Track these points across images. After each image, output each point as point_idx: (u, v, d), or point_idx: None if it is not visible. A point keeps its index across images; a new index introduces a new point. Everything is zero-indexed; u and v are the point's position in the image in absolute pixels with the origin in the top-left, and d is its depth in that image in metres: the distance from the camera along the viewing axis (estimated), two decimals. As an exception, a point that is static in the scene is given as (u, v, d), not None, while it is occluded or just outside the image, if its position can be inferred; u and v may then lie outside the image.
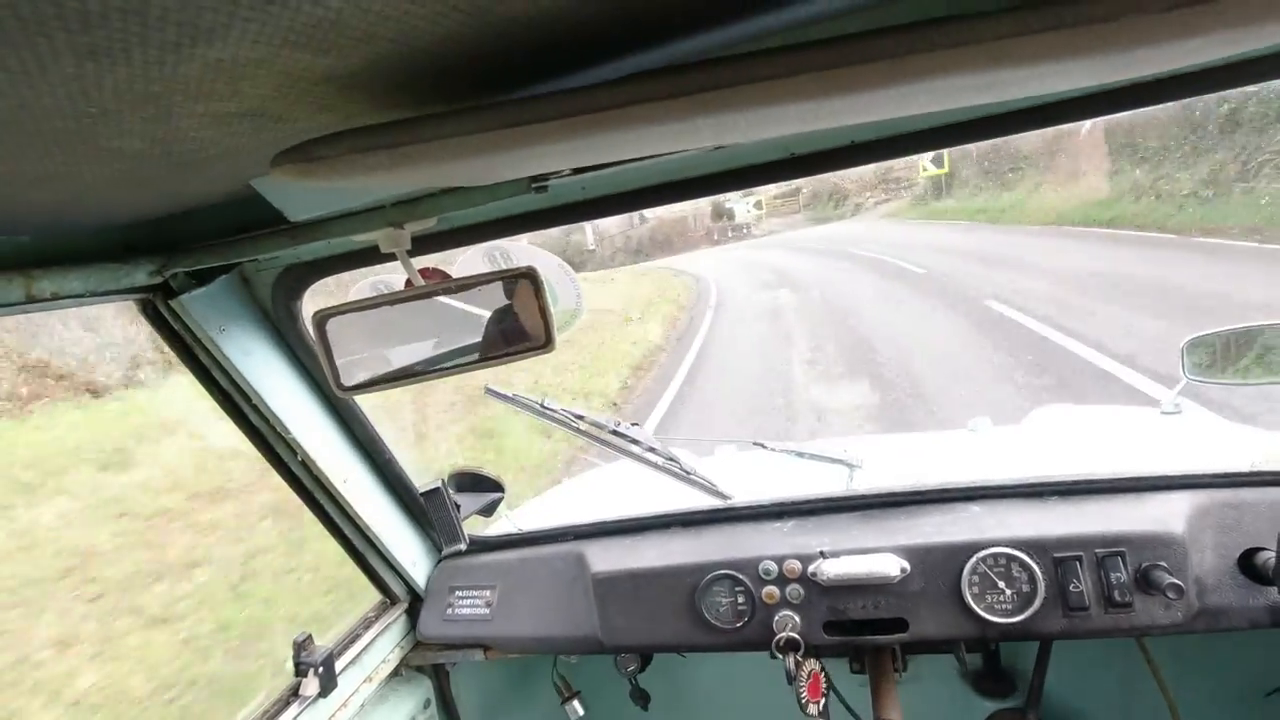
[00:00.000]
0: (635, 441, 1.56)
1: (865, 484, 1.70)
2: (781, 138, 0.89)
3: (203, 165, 0.72)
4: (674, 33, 0.60)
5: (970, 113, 0.88)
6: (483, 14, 0.45)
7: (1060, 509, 1.43)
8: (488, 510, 1.62)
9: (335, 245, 1.11)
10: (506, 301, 1.09)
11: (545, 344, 1.05)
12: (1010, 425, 2.65)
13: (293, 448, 1.31)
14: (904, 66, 0.47)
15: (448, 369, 1.08)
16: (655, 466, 1.60)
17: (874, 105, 0.53)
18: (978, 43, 0.45)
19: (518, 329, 1.07)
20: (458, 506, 1.45)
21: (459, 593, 1.70)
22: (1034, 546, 1.32)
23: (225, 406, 1.23)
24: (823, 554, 1.38)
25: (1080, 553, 1.30)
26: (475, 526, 1.83)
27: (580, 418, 1.53)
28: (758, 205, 44.74)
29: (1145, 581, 1.27)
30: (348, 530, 1.52)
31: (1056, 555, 1.31)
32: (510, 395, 1.51)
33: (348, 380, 1.06)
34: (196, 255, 0.98)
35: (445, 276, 1.09)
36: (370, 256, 1.12)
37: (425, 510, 1.51)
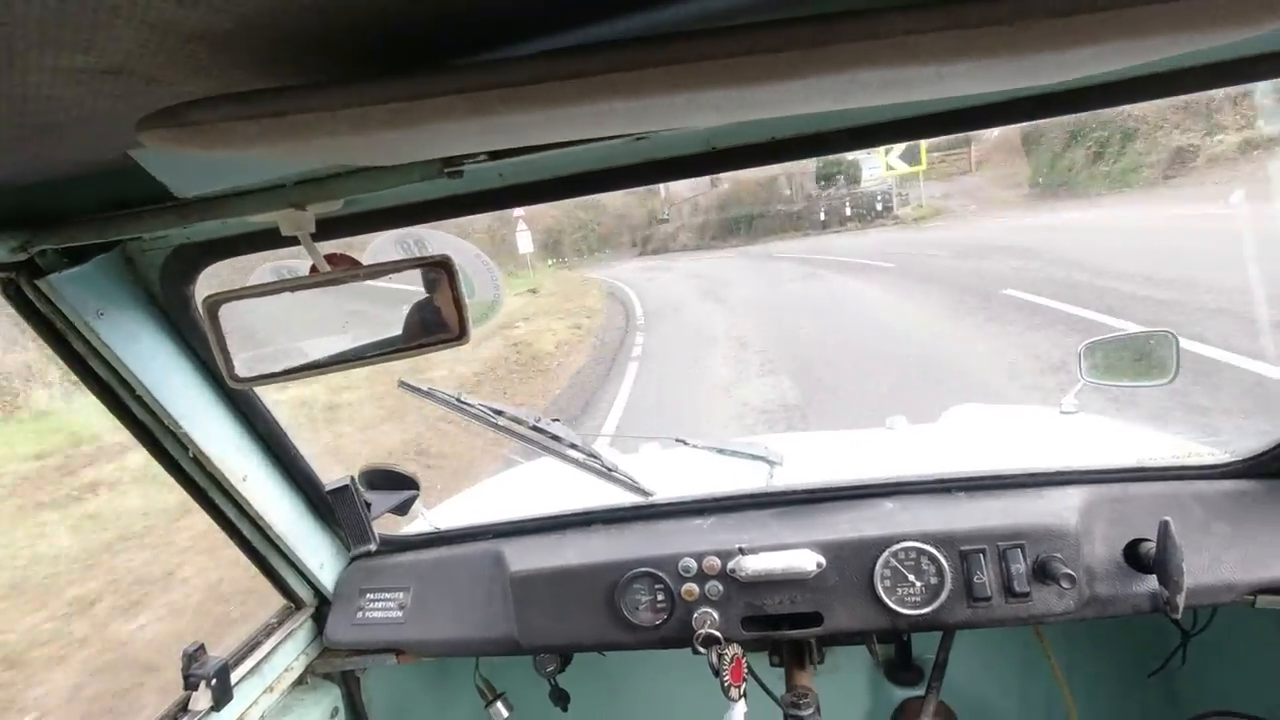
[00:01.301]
0: (556, 438, 1.53)
1: (785, 481, 1.72)
2: (703, 131, 0.88)
3: (68, 130, 0.65)
4: (594, 14, 0.58)
5: (896, 111, 0.90)
6: None
7: (967, 504, 1.49)
8: (402, 509, 1.55)
9: (231, 225, 1.03)
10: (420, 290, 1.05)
11: (459, 336, 1.01)
12: (926, 424, 2.75)
13: (183, 443, 1.22)
14: (812, 58, 0.46)
15: (355, 360, 1.03)
16: (576, 463, 1.58)
17: (786, 97, 0.52)
18: (882, 38, 0.44)
19: (430, 320, 1.03)
20: (368, 505, 1.39)
21: (370, 595, 1.63)
22: (942, 540, 1.37)
23: (103, 397, 1.13)
24: (741, 550, 1.39)
25: (984, 546, 1.36)
26: (390, 526, 1.75)
27: (499, 413, 1.49)
28: (905, 156, 23.52)
29: (1042, 572, 1.33)
30: (246, 531, 1.43)
31: (962, 548, 1.36)
32: (426, 389, 1.45)
33: (244, 371, 0.99)
34: (68, 231, 0.89)
35: (354, 263, 1.03)
36: (272, 239, 1.05)
37: (333, 509, 1.44)
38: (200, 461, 1.26)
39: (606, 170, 0.94)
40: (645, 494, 1.62)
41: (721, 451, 1.74)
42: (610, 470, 1.58)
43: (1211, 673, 1.76)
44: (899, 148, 22.89)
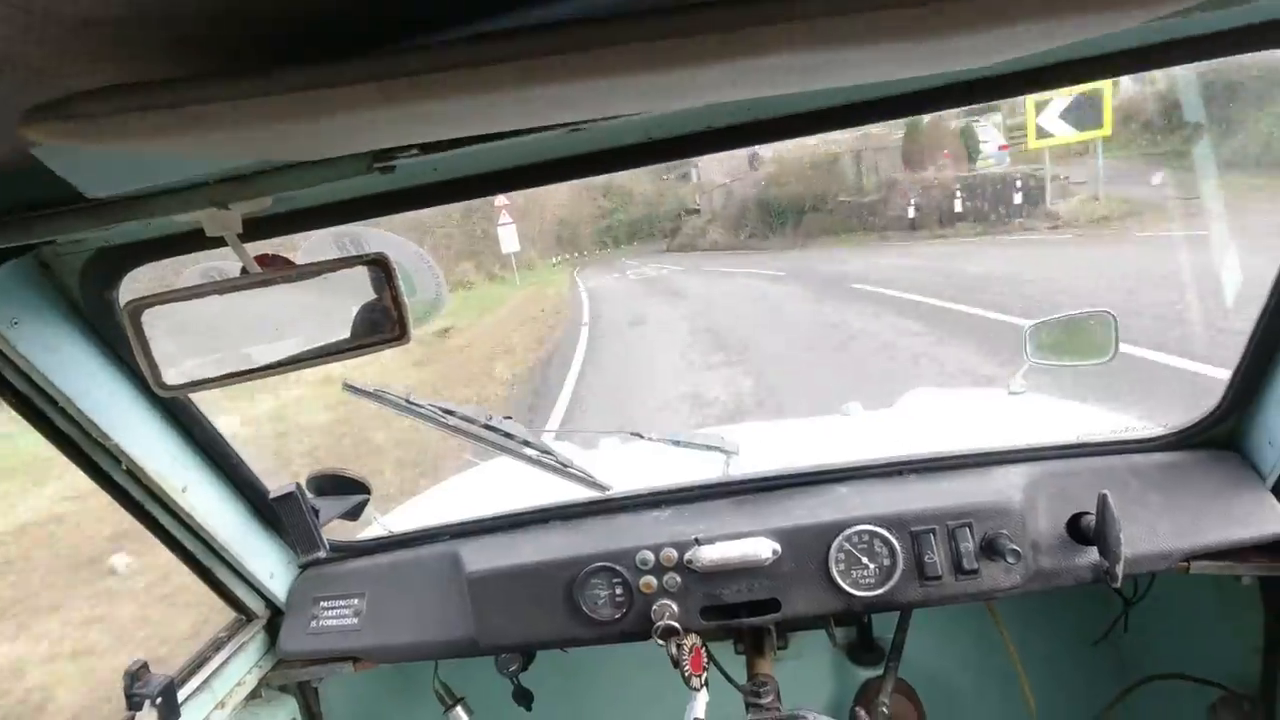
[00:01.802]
0: (510, 436, 1.51)
1: (742, 470, 1.73)
2: (640, 121, 0.88)
3: None
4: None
5: (836, 97, 0.90)
6: None
7: (917, 486, 1.52)
8: (353, 514, 1.52)
9: (154, 227, 0.99)
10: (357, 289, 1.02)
11: (399, 336, 0.99)
12: (882, 408, 2.81)
13: (115, 455, 1.17)
14: (729, 42, 0.46)
15: (292, 363, 1.00)
16: (530, 461, 1.56)
17: (709, 83, 0.51)
18: (798, 19, 0.44)
19: (369, 320, 1.01)
20: (316, 511, 1.35)
21: (324, 603, 1.59)
22: (893, 522, 1.39)
23: (23, 412, 1.08)
24: (697, 541, 1.40)
25: (934, 526, 1.38)
26: (343, 532, 1.72)
27: (450, 413, 1.46)
28: (1074, 115, 14.06)
29: (990, 549, 1.36)
30: (190, 544, 1.38)
31: (913, 529, 1.39)
32: (372, 390, 1.42)
33: (173, 378, 0.95)
34: None
35: (286, 263, 1.00)
36: (199, 240, 1.01)
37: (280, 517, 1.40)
38: (135, 474, 1.22)
39: (544, 163, 0.93)
40: (602, 488, 1.61)
41: (678, 443, 1.74)
42: (565, 466, 1.57)
43: (1153, 638, 1.83)
44: (1060, 102, 14.29)
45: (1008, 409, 2.51)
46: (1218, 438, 1.51)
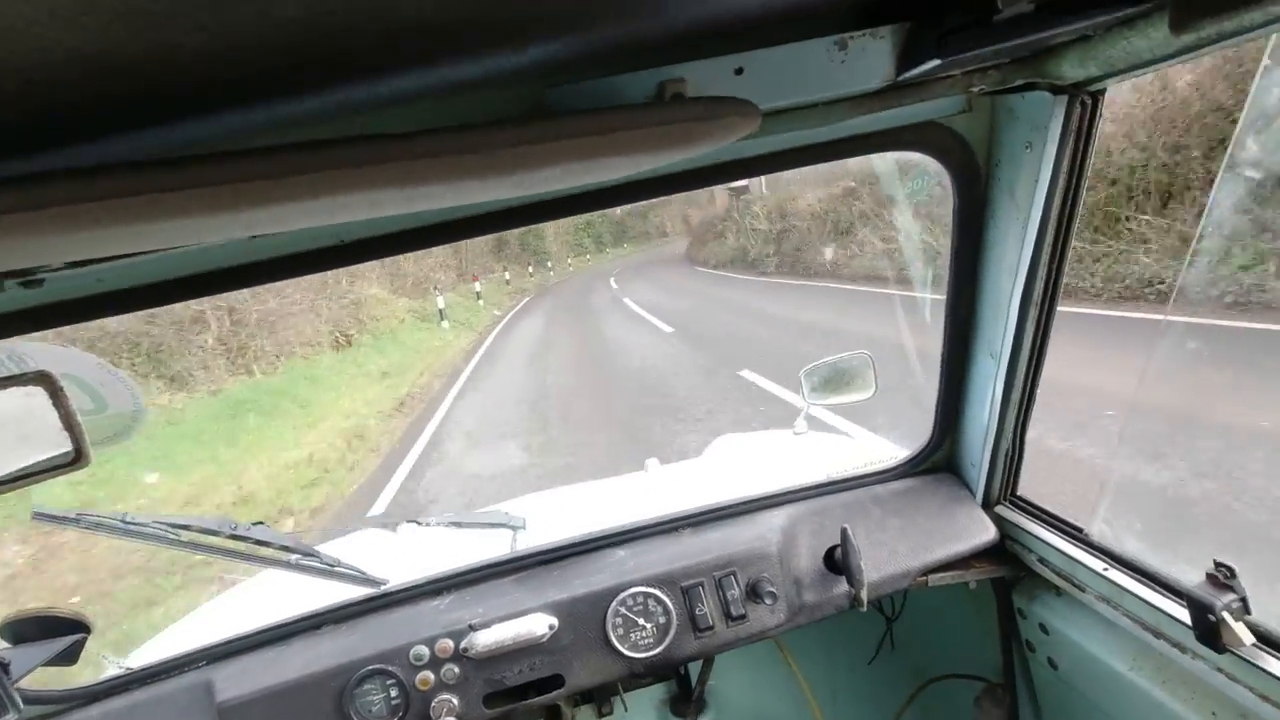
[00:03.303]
0: (264, 543, 1.38)
1: (529, 543, 1.72)
2: (336, 225, 0.87)
3: None
4: (105, 129, 0.54)
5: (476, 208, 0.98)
6: None
7: (690, 540, 1.58)
8: (68, 657, 1.30)
9: None
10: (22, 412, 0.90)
11: (76, 459, 0.88)
12: (687, 460, 2.91)
13: None
14: (323, 181, 0.47)
15: None
16: (292, 567, 1.44)
17: (313, 213, 0.52)
18: (392, 160, 0.47)
19: (37, 444, 0.89)
20: (5, 665, 1.14)
21: None
22: (665, 581, 1.44)
23: None
24: (471, 627, 1.36)
25: (702, 579, 1.45)
26: (66, 679, 1.46)
27: (184, 528, 1.31)
28: None
29: (754, 593, 1.45)
30: None
31: (684, 585, 1.44)
32: (73, 516, 1.24)
33: None
34: None
35: (-77, 388, 0.86)
36: None
37: None
38: None
39: (228, 269, 0.88)
40: (376, 583, 1.52)
41: (459, 525, 1.69)
42: (331, 567, 1.46)
43: (920, 648, 2.03)
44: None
45: (792, 450, 2.71)
46: (938, 463, 1.73)
